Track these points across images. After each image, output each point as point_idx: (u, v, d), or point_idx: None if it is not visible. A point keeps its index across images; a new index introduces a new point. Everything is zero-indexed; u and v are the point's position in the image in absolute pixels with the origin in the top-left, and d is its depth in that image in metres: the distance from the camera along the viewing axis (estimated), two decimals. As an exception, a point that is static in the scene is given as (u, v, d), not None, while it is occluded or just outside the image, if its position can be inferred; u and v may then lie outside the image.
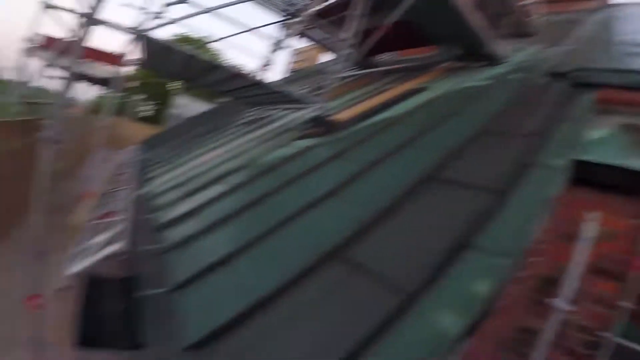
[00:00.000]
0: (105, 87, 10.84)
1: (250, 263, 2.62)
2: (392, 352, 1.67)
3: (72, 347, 3.42)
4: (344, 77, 7.66)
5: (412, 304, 1.86)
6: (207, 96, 22.25)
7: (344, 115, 5.15)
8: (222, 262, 2.72)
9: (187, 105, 22.47)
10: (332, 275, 2.22)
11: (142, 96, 27.92)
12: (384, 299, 1.91)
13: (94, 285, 4.17)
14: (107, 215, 4.52)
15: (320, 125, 4.92)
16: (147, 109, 29.25)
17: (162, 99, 28.17)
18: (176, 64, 4.93)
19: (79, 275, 3.56)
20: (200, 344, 2.05)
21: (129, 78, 8.48)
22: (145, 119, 27.32)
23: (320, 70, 10.72)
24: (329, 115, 5.17)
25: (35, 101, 8.16)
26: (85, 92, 14.44)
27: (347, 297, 2.02)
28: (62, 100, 2.47)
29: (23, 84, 7.39)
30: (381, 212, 2.63)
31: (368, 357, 1.68)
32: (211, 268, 2.69)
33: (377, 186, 3.07)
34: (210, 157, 5.36)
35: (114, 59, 7.50)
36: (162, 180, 5.38)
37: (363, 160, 3.54)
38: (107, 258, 3.33)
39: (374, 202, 2.78)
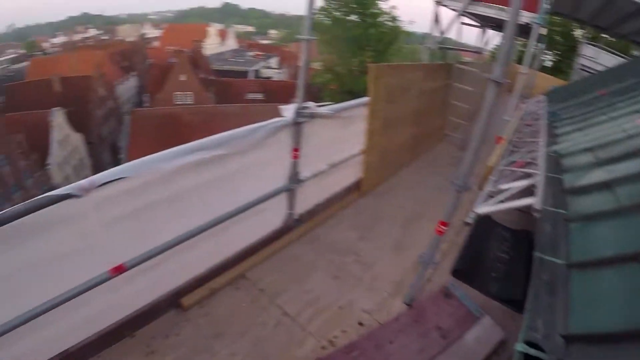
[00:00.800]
0: (516, 34, 10.57)
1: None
2: None
3: (450, 273, 3.68)
4: None
5: None
6: (621, 47, 18.75)
7: None
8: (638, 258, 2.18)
9: (597, 57, 19.39)
10: None
11: (546, 45, 26.22)
12: None
13: (491, 229, 4.31)
14: (517, 164, 4.50)
15: None
16: (550, 58, 27.41)
17: (568, 48, 25.66)
18: (590, 8, 4.16)
19: (482, 215, 3.72)
20: (582, 339, 1.76)
21: (545, 24, 7.92)
22: (549, 69, 25.75)
23: None
24: None
25: (446, 47, 8.86)
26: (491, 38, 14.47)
27: None
28: (507, 45, 2.42)
29: (436, 33, 8.06)
30: None
31: None
32: (622, 259, 2.17)
33: None
34: (632, 123, 4.42)
35: (529, 4, 7.06)
36: (573, 138, 4.84)
37: None
38: (513, 208, 3.32)
39: None
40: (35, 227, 2.44)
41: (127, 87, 52.90)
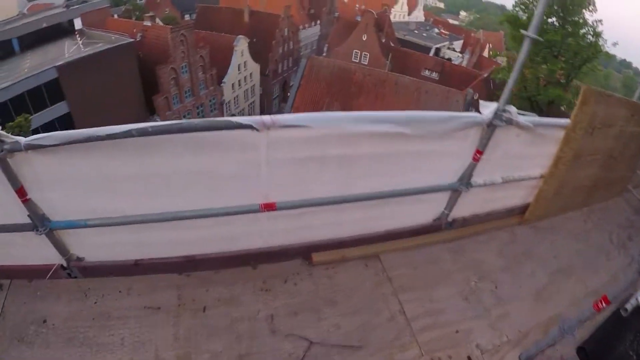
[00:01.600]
0: None
1: None
2: None
3: (575, 349, 3.31)
4: None
5: None
6: None
7: None
8: None
9: None
10: None
11: None
12: None
13: (635, 320, 3.61)
14: None
15: None
16: None
17: None
18: None
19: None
20: None
21: None
22: None
23: None
24: None
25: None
26: None
27: None
28: None
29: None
30: None
31: None
32: None
33: None
34: None
35: None
36: None
37: None
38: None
39: None
40: (213, 142, 2.61)
41: (310, 33, 55.66)
